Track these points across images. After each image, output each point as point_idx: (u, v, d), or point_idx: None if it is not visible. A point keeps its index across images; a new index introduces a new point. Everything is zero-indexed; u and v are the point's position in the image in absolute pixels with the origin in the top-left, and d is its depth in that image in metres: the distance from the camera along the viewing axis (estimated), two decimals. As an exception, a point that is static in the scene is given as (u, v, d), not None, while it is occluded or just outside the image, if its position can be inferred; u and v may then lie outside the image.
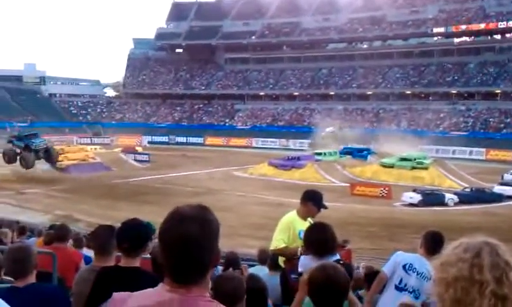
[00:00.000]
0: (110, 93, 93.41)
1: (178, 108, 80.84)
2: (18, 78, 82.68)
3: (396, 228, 22.59)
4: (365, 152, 44.72)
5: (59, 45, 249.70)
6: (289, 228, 4.99)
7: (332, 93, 73.01)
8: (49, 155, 39.33)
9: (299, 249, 4.47)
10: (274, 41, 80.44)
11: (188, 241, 1.60)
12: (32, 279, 3.26)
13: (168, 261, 1.64)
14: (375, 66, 72.84)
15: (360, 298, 5.06)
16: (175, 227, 1.62)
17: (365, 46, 77.23)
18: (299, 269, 3.88)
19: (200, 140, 67.73)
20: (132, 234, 3.18)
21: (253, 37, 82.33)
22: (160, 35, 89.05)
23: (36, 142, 38.84)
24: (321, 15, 78.08)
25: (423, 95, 67.44)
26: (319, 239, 3.90)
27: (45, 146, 39.26)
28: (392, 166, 38.24)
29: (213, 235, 1.66)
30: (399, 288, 4.34)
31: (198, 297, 1.63)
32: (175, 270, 1.63)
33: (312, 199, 5.06)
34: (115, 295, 1.74)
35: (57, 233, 6.06)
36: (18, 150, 38.39)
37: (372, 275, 5.33)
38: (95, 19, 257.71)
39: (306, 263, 3.67)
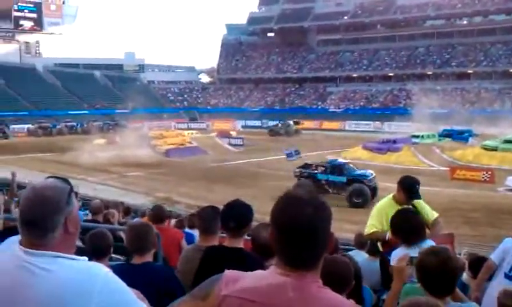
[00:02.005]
0: (205, 78, 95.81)
1: (270, 92, 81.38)
2: (119, 67, 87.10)
3: (499, 213, 21.36)
4: (466, 134, 42.68)
5: (157, 33, 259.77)
6: (382, 213, 4.85)
7: (429, 73, 70.08)
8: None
9: (387, 234, 4.38)
10: (368, 21, 78.43)
11: (305, 224, 1.58)
12: (149, 257, 3.39)
13: (282, 244, 1.62)
14: (475, 43, 69.03)
15: (464, 285, 4.86)
16: (290, 210, 1.61)
17: (465, 22, 73.16)
18: (392, 262, 3.78)
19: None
20: (238, 214, 3.25)
21: (346, 17, 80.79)
22: (253, 19, 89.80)
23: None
24: (417, -9, 75.04)
25: (529, 73, 63.04)
26: (405, 226, 3.81)
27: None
28: (495, 149, 36.10)
29: (328, 219, 1.64)
30: (510, 277, 4.11)
31: (312, 283, 1.60)
32: (290, 253, 1.61)
33: (404, 186, 4.88)
34: (228, 272, 1.74)
35: (155, 215, 6.34)
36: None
37: (476, 262, 5.09)
38: (189, 7, 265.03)
39: (399, 255, 3.56)
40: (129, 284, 1.81)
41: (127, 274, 2.93)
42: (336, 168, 25.17)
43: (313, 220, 1.59)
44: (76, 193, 1.86)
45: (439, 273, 2.62)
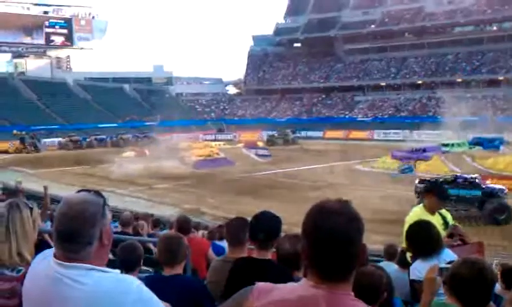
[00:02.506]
0: (232, 90, 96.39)
1: (297, 102, 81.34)
2: (148, 80, 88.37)
3: (532, 223, 20.91)
4: (497, 142, 41.82)
5: (184, 46, 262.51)
6: None
7: (459, 80, 69.06)
8: None
9: None
10: (395, 29, 77.88)
11: (337, 235, 1.57)
12: (179, 269, 3.41)
13: (315, 256, 1.61)
14: (506, 49, 67.78)
15: (497, 296, 4.75)
16: (323, 221, 1.60)
17: (495, 28, 71.97)
18: (412, 277, 3.72)
19: (319, 133, 67.42)
20: (267, 226, 3.25)
21: (373, 26, 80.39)
22: (279, 30, 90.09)
23: None
24: (445, -3, 74.26)
25: (562, 78, 61.61)
26: (421, 239, 3.75)
27: None
28: (528, 157, 35.37)
29: (361, 230, 1.63)
30: None
31: (344, 295, 1.59)
32: (322, 265, 1.60)
33: (432, 190, 4.84)
34: (260, 284, 1.75)
35: (180, 226, 6.37)
36: None
37: (508, 272, 4.98)
38: (216, 19, 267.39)
39: (419, 269, 3.50)
40: (160, 296, 1.83)
41: (159, 286, 2.96)
42: (467, 182, 23.10)
43: (346, 232, 1.58)
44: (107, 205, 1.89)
45: (474, 284, 2.54)
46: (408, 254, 4.87)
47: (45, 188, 8.99)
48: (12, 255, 2.72)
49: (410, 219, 4.88)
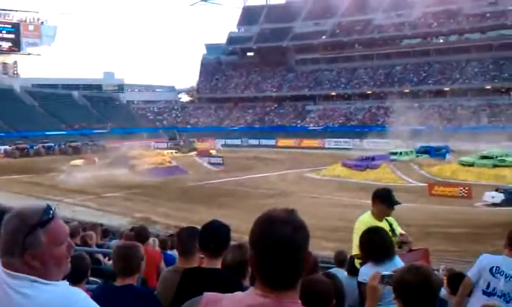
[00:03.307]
0: (184, 98, 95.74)
1: (250, 111, 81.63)
2: (98, 87, 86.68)
3: (478, 228, 21.62)
4: (443, 150, 43.20)
5: (136, 53, 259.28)
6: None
7: (407, 91, 71.02)
8: None
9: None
10: (346, 40, 79.43)
11: (283, 244, 1.58)
12: (132, 280, 3.33)
13: (261, 265, 1.61)
14: (451, 61, 70.34)
15: (442, 301, 4.87)
16: (269, 230, 1.60)
17: (441, 40, 74.51)
18: (359, 279, 3.78)
19: (272, 142, 67.80)
20: (217, 234, 3.24)
21: (324, 37, 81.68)
22: (232, 39, 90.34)
23: None
24: (394, 10, 76.26)
25: (503, 90, 64.22)
26: (375, 245, 3.79)
27: None
28: (472, 165, 36.67)
29: (306, 238, 1.64)
30: (487, 293, 4.13)
31: (291, 303, 1.60)
32: (269, 274, 1.60)
33: (380, 197, 4.93)
34: (208, 295, 1.74)
35: (137, 235, 6.29)
36: None
37: (454, 278, 5.11)
38: (169, 27, 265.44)
39: (366, 273, 3.56)
40: (111, 307, 1.79)
41: (109, 296, 2.89)
42: None
43: (292, 240, 1.59)
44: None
45: (420, 290, 2.58)
46: (357, 261, 4.95)
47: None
48: None
49: (359, 225, 4.93)
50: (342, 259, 6.35)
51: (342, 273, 5.76)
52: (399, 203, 4.93)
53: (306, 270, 1.67)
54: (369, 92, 74.52)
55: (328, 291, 2.76)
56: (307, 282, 2.78)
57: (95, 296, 1.67)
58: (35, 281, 1.68)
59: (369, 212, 5.00)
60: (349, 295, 4.66)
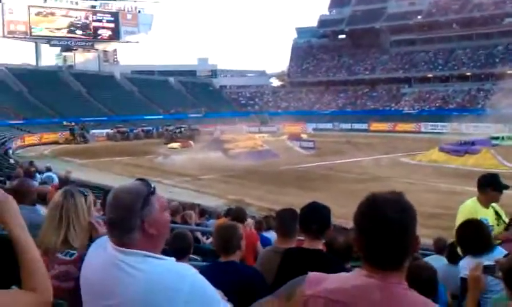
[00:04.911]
0: (275, 82, 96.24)
1: (341, 94, 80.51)
2: (192, 73, 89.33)
3: None
4: (549, 135, 40.41)
5: (229, 39, 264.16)
6: (471, 217, 4.70)
7: (510, 72, 66.78)
8: None
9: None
10: (443, 20, 75.83)
11: (391, 225, 1.58)
12: (235, 257, 3.43)
13: (368, 246, 1.62)
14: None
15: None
16: (376, 211, 1.61)
17: (549, 17, 69.22)
18: (461, 275, 3.66)
19: (364, 126, 66.62)
20: (320, 216, 3.24)
21: (419, 17, 78.55)
22: (323, 22, 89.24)
23: None
24: (495, -13, 71.80)
25: None
26: (471, 239, 3.67)
27: None
28: None
29: (414, 220, 1.64)
30: None
31: (397, 284, 1.59)
32: (376, 255, 1.61)
33: (491, 184, 4.72)
34: (312, 274, 1.75)
35: (235, 216, 6.45)
36: None
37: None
38: (260, 12, 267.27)
39: (466, 266, 3.43)
40: (215, 283, 1.85)
41: (214, 272, 3.00)
42: None
43: (400, 221, 1.59)
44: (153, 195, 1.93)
45: None
46: (458, 248, 4.78)
47: (68, 172, 9.17)
48: (62, 241, 2.82)
49: (462, 210, 4.77)
50: (441, 246, 6.19)
51: (441, 260, 5.61)
52: (508, 187, 4.70)
53: (413, 251, 1.67)
54: (469, 74, 70.90)
55: (433, 278, 2.70)
56: (414, 267, 2.74)
57: (201, 271, 1.74)
58: (148, 256, 1.77)
59: (475, 198, 4.82)
60: (450, 283, 4.54)
